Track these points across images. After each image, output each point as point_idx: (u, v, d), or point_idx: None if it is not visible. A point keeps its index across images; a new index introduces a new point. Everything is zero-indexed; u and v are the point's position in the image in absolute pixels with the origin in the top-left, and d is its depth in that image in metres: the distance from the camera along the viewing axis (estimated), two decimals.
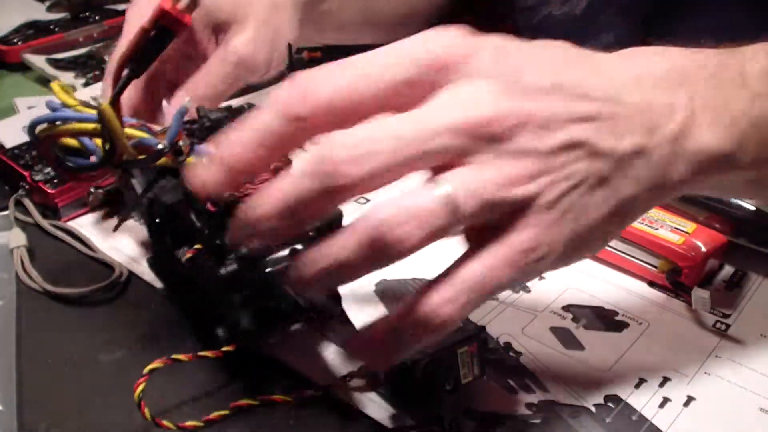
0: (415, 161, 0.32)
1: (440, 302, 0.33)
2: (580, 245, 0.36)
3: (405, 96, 0.34)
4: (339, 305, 0.45)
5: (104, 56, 0.81)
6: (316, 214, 0.34)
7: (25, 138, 0.62)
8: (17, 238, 0.54)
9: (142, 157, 0.44)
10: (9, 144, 0.61)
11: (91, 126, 0.44)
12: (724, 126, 0.37)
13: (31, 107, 0.69)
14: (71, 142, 0.46)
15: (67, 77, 0.77)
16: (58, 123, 0.45)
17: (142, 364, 0.45)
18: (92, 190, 0.57)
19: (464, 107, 0.33)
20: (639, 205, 0.37)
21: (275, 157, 0.34)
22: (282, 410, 0.42)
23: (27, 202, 0.57)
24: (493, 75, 0.34)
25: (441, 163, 0.33)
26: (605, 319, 0.49)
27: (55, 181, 0.57)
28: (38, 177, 0.57)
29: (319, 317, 0.45)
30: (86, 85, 0.75)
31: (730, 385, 0.44)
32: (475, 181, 0.33)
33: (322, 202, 0.33)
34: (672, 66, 0.38)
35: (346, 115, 0.33)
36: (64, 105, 0.46)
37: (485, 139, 0.33)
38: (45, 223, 0.56)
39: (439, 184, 0.32)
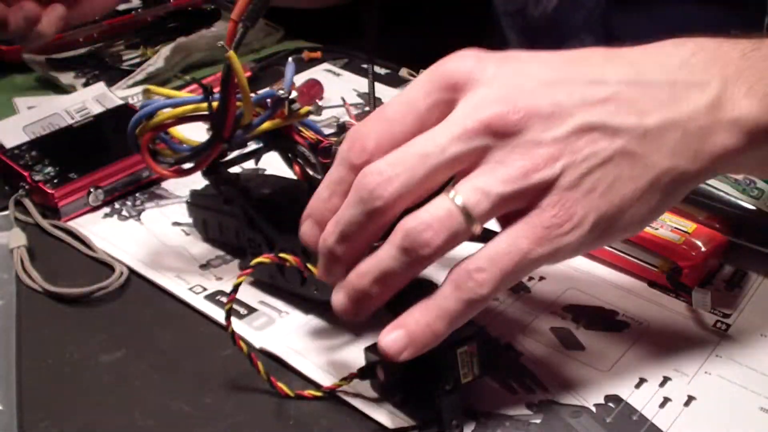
0: (436, 172, 0.36)
1: (471, 271, 0.36)
2: (613, 222, 0.38)
3: (433, 117, 0.38)
4: None
5: (104, 56, 0.81)
6: (369, 237, 0.38)
7: (25, 138, 0.63)
8: (17, 238, 0.54)
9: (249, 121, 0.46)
10: (9, 144, 0.61)
11: (194, 106, 0.45)
12: (760, 97, 0.38)
13: (31, 107, 0.69)
14: (159, 147, 0.47)
15: (67, 77, 0.77)
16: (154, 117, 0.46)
17: (142, 364, 0.45)
18: (92, 190, 0.57)
19: (472, 113, 0.37)
20: (685, 177, 0.38)
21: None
22: (282, 410, 0.42)
23: (27, 202, 0.57)
24: (498, 81, 0.37)
25: (463, 167, 0.37)
26: (605, 319, 0.49)
27: (55, 181, 0.57)
28: (38, 177, 0.57)
29: None
30: (86, 85, 0.75)
31: (730, 385, 0.44)
32: (486, 181, 0.36)
33: (370, 225, 0.37)
34: (699, 49, 0.39)
35: (391, 148, 0.38)
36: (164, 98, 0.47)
37: (496, 136, 0.36)
38: (45, 223, 0.56)
39: (452, 192, 0.36)
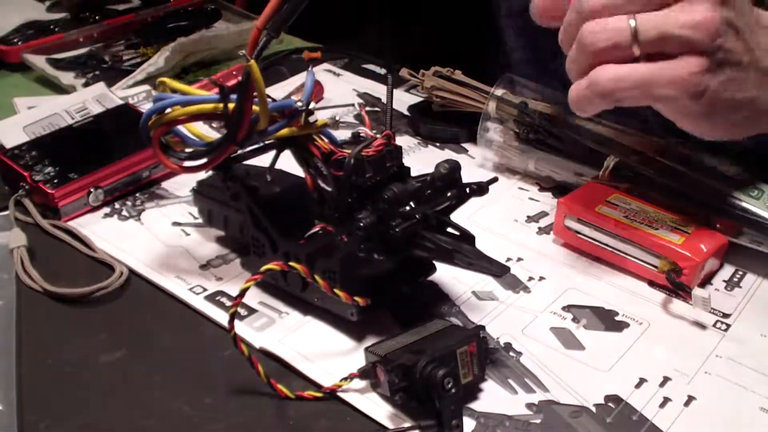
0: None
1: (605, 74, 0.44)
2: (725, 116, 0.46)
3: None
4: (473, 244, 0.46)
5: (104, 56, 0.81)
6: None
7: (25, 138, 0.63)
8: (17, 238, 0.54)
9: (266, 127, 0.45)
10: (9, 144, 0.61)
11: (211, 106, 0.44)
12: None
13: (31, 107, 0.69)
14: (169, 140, 0.47)
15: (67, 77, 0.77)
16: (167, 111, 0.45)
17: (143, 364, 0.45)
18: (92, 190, 0.57)
19: None
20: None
21: None
22: (282, 410, 0.42)
23: (27, 202, 0.57)
24: None
25: (656, 7, 0.44)
26: (605, 319, 0.49)
27: (55, 181, 0.57)
28: (38, 177, 0.57)
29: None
30: (86, 85, 0.75)
31: (730, 385, 0.44)
32: (662, 19, 0.43)
33: (574, 27, 0.45)
34: None
35: None
36: (179, 93, 0.46)
37: None
38: (45, 223, 0.56)
39: (635, 17, 0.43)
